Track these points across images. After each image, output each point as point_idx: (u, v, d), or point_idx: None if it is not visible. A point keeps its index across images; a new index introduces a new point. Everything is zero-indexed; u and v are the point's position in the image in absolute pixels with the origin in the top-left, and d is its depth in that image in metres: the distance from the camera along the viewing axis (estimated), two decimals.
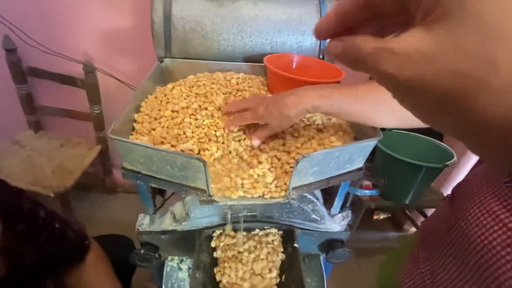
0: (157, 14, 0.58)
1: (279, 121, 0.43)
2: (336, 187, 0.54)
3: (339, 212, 0.56)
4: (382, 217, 1.42)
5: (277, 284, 0.48)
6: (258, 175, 0.42)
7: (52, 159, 1.11)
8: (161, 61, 0.62)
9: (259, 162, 0.44)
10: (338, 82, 0.53)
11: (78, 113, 1.12)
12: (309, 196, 0.50)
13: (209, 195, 0.39)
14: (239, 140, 0.47)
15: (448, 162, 0.90)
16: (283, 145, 0.45)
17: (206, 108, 0.49)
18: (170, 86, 0.54)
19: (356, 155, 0.42)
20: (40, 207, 0.51)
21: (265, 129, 0.45)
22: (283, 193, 0.41)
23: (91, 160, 1.14)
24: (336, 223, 0.55)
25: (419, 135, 1.10)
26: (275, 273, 0.48)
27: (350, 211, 0.57)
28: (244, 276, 0.48)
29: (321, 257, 0.61)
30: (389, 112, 0.40)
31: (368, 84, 0.40)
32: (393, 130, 1.15)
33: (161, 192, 0.62)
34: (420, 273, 0.53)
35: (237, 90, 0.55)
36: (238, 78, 0.57)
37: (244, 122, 0.47)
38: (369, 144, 0.42)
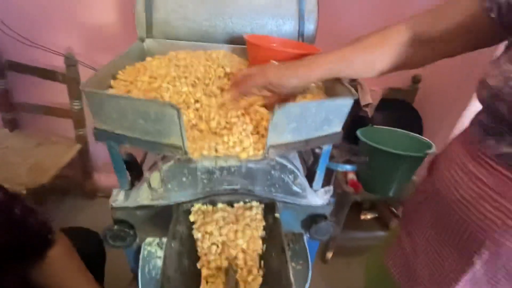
0: None
1: (289, 90, 0.45)
2: (315, 160, 0.53)
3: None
4: (369, 217, 1.42)
5: (258, 255, 0.46)
6: (233, 142, 0.42)
7: (27, 158, 1.06)
8: (142, 41, 0.62)
9: (232, 134, 0.43)
10: None
11: (57, 109, 1.09)
12: (289, 165, 0.49)
13: (185, 152, 0.38)
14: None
15: (428, 151, 0.92)
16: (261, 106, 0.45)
17: (185, 77, 0.49)
18: (149, 59, 0.54)
19: (332, 114, 0.42)
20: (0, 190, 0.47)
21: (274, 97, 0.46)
22: (261, 152, 0.41)
23: (69, 159, 1.10)
24: (318, 196, 0.54)
25: (400, 130, 1.13)
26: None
27: (332, 186, 0.57)
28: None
29: (305, 238, 0.60)
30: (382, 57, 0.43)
31: (361, 41, 0.43)
32: (374, 126, 1.18)
33: (138, 177, 0.60)
34: (403, 249, 0.52)
35: (218, 65, 0.55)
36: (219, 53, 0.57)
37: (252, 85, 0.45)
38: (344, 104, 0.42)
